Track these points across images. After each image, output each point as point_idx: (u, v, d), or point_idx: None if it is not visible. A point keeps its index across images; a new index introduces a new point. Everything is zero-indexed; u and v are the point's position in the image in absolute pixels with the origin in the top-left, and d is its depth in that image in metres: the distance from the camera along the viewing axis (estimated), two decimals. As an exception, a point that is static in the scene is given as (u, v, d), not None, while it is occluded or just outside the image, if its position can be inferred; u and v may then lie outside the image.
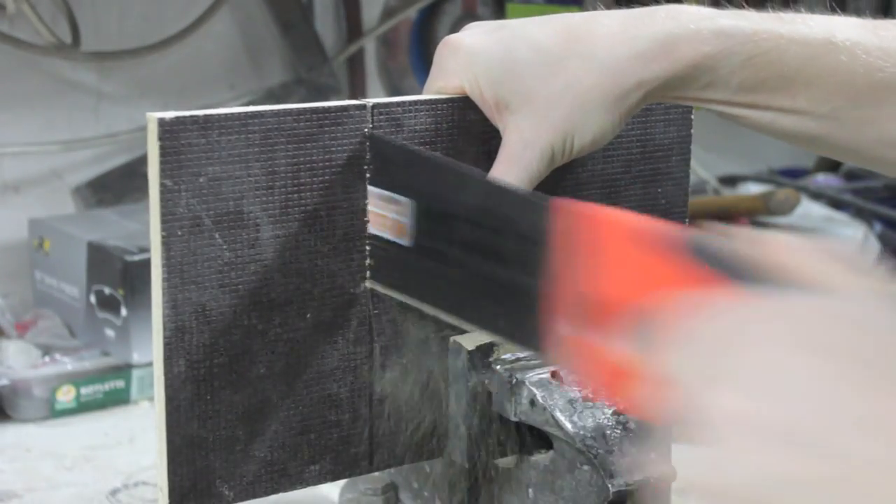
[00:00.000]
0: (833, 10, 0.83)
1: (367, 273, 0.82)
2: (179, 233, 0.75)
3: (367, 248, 0.82)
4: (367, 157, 0.80)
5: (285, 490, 0.82)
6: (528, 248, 0.70)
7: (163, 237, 0.75)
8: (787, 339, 0.47)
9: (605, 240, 0.63)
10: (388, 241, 0.80)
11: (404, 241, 0.79)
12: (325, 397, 0.82)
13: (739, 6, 0.81)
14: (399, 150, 0.80)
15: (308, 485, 0.83)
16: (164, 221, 0.75)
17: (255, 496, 0.81)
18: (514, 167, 0.79)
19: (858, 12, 0.84)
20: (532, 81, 0.79)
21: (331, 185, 0.79)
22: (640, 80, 0.78)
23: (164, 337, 0.76)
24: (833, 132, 0.81)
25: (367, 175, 0.81)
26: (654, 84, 0.79)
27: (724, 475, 0.47)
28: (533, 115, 0.79)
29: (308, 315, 0.80)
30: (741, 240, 0.54)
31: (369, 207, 0.81)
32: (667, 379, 0.51)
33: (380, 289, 0.82)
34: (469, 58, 0.80)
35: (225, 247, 0.77)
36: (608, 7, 0.83)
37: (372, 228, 0.81)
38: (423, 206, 0.78)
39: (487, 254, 0.74)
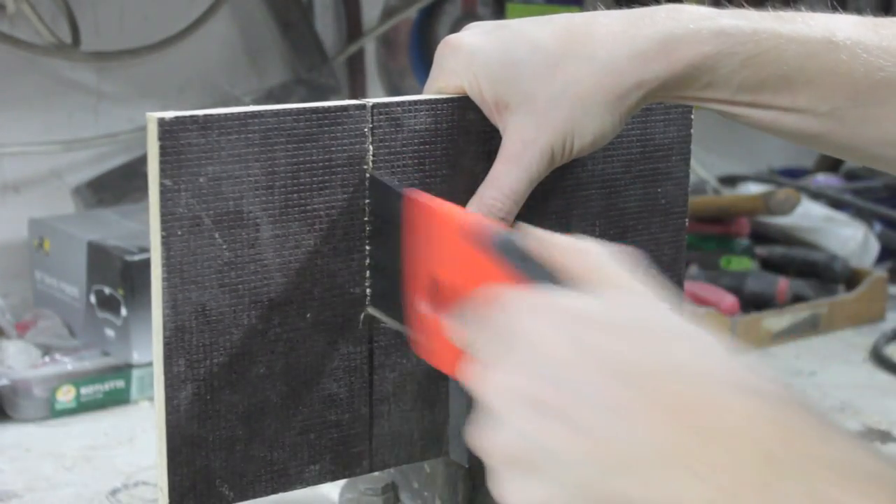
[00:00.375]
0: (833, 9, 0.83)
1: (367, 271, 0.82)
2: (179, 233, 0.75)
3: (367, 248, 0.82)
4: (370, 156, 0.81)
5: (285, 490, 0.82)
6: (392, 232, 0.78)
7: (163, 237, 0.75)
8: (554, 331, 0.57)
9: (441, 231, 0.71)
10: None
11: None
12: (325, 397, 0.82)
13: (739, 6, 0.81)
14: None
15: (308, 485, 0.83)
16: (164, 221, 0.75)
17: (255, 496, 0.81)
18: (514, 167, 0.79)
19: (859, 11, 0.84)
20: (532, 81, 0.79)
21: (331, 185, 0.79)
22: (641, 80, 0.78)
23: (164, 337, 0.76)
24: (834, 131, 0.81)
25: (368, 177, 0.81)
26: (654, 84, 0.79)
27: (492, 436, 0.57)
28: (533, 115, 0.79)
29: (308, 315, 0.80)
30: (538, 241, 0.63)
31: None
32: (469, 355, 0.61)
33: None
34: (469, 58, 0.80)
35: (225, 247, 0.77)
36: (608, 7, 0.83)
37: None
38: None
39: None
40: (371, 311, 0.83)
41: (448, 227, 0.71)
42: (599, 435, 0.54)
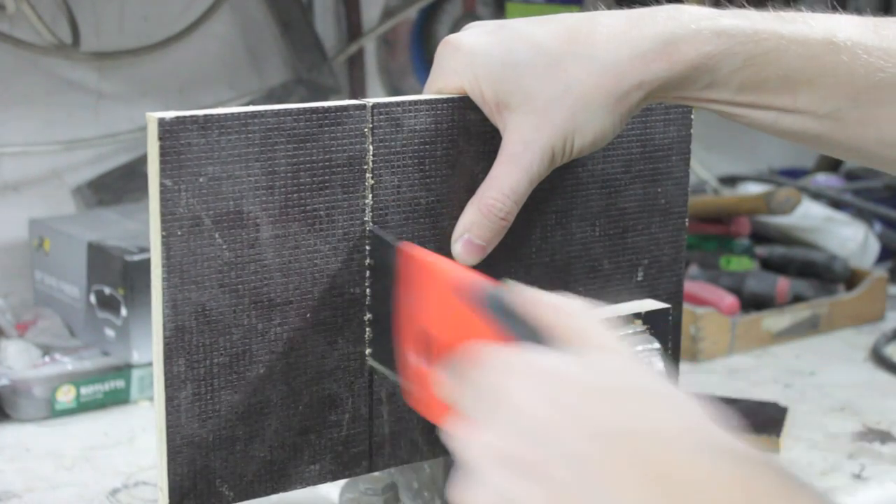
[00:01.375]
0: (834, 9, 0.83)
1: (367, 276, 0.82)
2: (179, 233, 0.75)
3: (367, 247, 0.82)
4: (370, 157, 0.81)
5: (285, 490, 0.82)
6: (386, 282, 0.79)
7: (163, 237, 0.75)
8: (534, 392, 0.58)
9: (433, 285, 0.72)
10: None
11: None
12: (325, 397, 0.82)
13: (740, 6, 0.81)
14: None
15: (308, 484, 0.83)
16: (164, 221, 0.75)
17: (255, 496, 0.81)
18: (514, 167, 0.79)
19: (859, 11, 0.84)
20: (533, 81, 0.79)
21: (331, 185, 0.79)
22: (642, 81, 0.78)
23: (164, 337, 0.76)
24: (834, 132, 0.81)
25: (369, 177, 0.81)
26: (655, 84, 0.79)
27: (471, 493, 0.58)
28: (534, 115, 0.79)
29: (308, 315, 0.80)
30: (525, 299, 0.64)
31: None
32: (454, 410, 0.62)
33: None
34: (470, 58, 0.80)
35: (225, 247, 0.77)
36: (609, 7, 0.83)
37: None
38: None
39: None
40: (371, 363, 0.83)
41: (440, 281, 0.71)
42: (574, 495, 0.55)
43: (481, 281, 0.69)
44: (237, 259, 0.77)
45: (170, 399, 0.77)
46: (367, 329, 0.83)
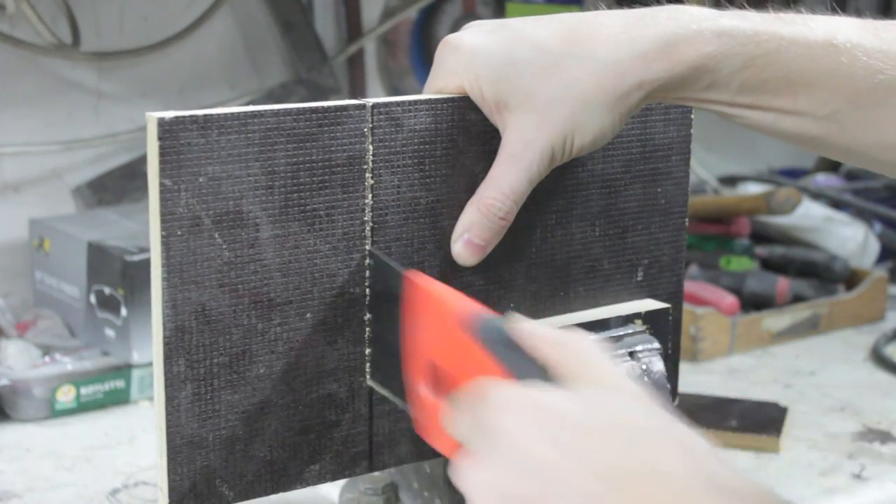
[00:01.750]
0: (833, 11, 0.83)
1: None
2: (179, 233, 0.75)
3: (367, 248, 0.82)
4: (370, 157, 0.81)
5: (285, 490, 0.82)
6: (392, 308, 0.78)
7: (163, 237, 0.75)
8: (534, 429, 0.58)
9: (439, 316, 0.72)
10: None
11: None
12: (325, 397, 0.82)
13: (741, 7, 0.81)
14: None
15: (308, 484, 0.83)
16: (163, 221, 0.74)
17: (254, 496, 0.81)
18: (514, 167, 0.79)
19: (859, 12, 0.84)
20: (533, 81, 0.79)
21: (331, 185, 0.79)
22: (642, 81, 0.78)
23: (164, 337, 0.76)
24: (833, 134, 0.81)
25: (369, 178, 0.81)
26: (655, 84, 0.79)
27: None
28: (533, 115, 0.79)
29: (308, 315, 0.80)
30: (527, 333, 0.64)
31: None
32: (457, 443, 0.64)
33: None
34: (470, 57, 0.80)
35: (225, 247, 0.77)
36: (609, 7, 0.83)
37: None
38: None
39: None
40: (370, 383, 0.83)
41: (445, 312, 0.71)
42: None
43: (484, 314, 0.68)
44: (237, 259, 0.77)
45: (170, 399, 0.77)
46: (367, 329, 0.83)
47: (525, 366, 0.64)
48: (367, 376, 0.83)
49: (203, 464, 0.78)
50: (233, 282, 0.77)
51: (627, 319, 0.89)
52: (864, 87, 0.78)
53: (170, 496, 0.78)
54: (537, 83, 0.79)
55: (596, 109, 0.79)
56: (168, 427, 0.77)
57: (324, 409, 0.82)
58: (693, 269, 1.58)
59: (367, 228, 0.81)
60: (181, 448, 0.78)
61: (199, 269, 0.76)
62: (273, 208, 0.78)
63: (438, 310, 0.72)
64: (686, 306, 1.36)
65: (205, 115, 0.75)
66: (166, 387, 0.77)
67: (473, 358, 0.67)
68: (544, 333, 0.64)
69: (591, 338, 0.65)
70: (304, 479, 0.83)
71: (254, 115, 0.76)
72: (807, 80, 0.79)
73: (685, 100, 0.81)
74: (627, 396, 0.61)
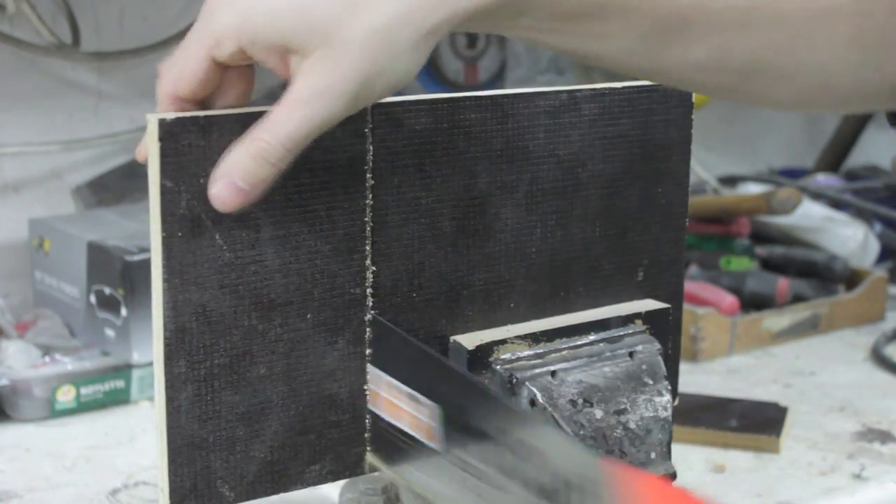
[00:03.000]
0: None
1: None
2: (180, 234, 0.75)
3: (368, 248, 0.82)
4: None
5: (285, 490, 0.82)
6: (581, 498, 0.69)
7: (163, 238, 0.75)
8: None
9: None
10: (415, 439, 0.80)
11: (434, 446, 0.78)
12: (325, 397, 0.82)
13: None
14: (408, 346, 0.80)
15: (308, 485, 0.83)
16: (164, 222, 0.74)
17: (255, 496, 0.81)
18: (297, 113, 0.73)
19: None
20: (328, 26, 0.72)
21: (331, 186, 0.79)
22: (451, 14, 0.73)
23: (165, 338, 0.76)
24: (645, 57, 0.78)
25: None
26: (463, 17, 0.74)
27: None
28: (328, 61, 0.72)
29: (308, 315, 0.80)
30: None
31: (381, 393, 0.82)
32: None
33: (402, 482, 0.82)
34: (248, 9, 0.74)
35: (225, 247, 0.77)
36: None
37: (394, 420, 0.81)
38: (449, 413, 0.77)
39: (530, 487, 0.72)
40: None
41: None
42: None
43: None
44: (237, 259, 0.77)
45: (170, 400, 0.77)
46: (368, 329, 0.83)
47: None
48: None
49: (203, 464, 0.78)
50: (233, 283, 0.77)
51: (627, 319, 0.89)
52: (673, 7, 0.77)
53: (170, 497, 0.78)
54: (333, 27, 0.72)
55: (403, 50, 0.73)
56: (168, 428, 0.77)
57: (324, 410, 0.82)
58: (693, 269, 1.58)
59: (368, 228, 0.81)
60: (182, 449, 0.78)
61: (199, 270, 0.76)
62: (273, 209, 0.78)
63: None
64: (686, 306, 1.36)
65: (206, 116, 0.75)
66: (167, 388, 0.77)
67: None
68: None
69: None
70: (304, 480, 0.83)
71: (254, 115, 0.76)
72: (618, 4, 0.76)
73: (497, 29, 0.77)
74: None
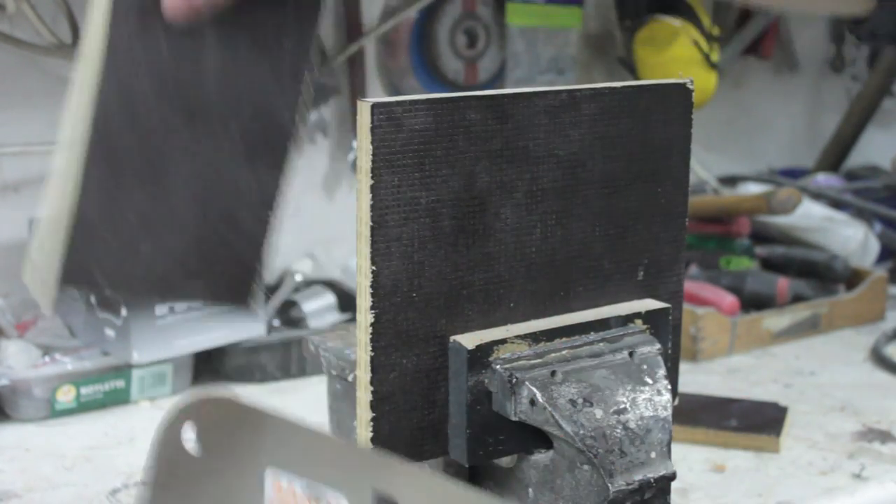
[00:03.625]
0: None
1: None
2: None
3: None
4: None
5: (162, 301, 0.81)
6: None
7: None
8: None
9: None
10: None
11: None
12: (229, 217, 0.81)
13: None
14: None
15: (189, 299, 0.82)
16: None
17: (131, 294, 0.80)
18: None
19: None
20: None
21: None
22: None
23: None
24: None
25: None
26: None
27: None
28: None
29: (233, 129, 0.80)
30: None
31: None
32: None
33: None
34: None
35: (166, 45, 0.77)
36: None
37: None
38: None
39: None
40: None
41: None
42: None
43: None
44: (175, 58, 0.77)
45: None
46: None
47: None
48: None
49: (94, 252, 0.78)
50: (166, 80, 0.77)
51: (627, 319, 0.89)
52: None
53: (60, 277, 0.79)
54: None
55: None
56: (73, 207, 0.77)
57: (226, 230, 0.81)
58: (693, 269, 1.59)
59: (368, 229, 0.81)
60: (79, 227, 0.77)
61: (135, 56, 0.76)
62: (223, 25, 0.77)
63: None
64: (686, 306, 1.36)
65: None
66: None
67: None
68: None
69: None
70: (186, 293, 0.81)
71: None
72: None
73: None
74: None
